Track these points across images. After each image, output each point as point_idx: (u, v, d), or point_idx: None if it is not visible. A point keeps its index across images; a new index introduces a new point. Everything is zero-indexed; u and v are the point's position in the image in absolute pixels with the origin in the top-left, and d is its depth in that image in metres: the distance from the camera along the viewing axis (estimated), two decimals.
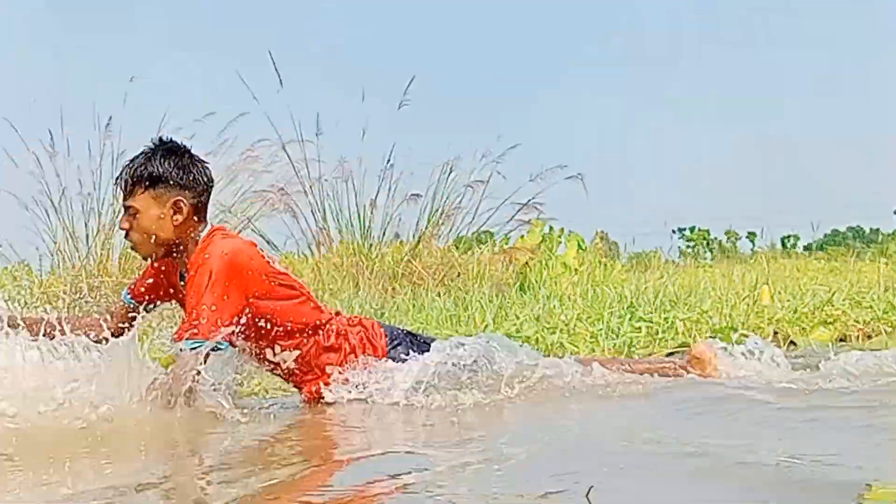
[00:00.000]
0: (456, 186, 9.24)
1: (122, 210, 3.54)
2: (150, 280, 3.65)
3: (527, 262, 8.61)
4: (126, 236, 3.51)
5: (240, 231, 9.48)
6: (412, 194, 9.23)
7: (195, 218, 3.49)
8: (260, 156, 9.65)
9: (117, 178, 3.51)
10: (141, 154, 3.51)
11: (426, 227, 9.17)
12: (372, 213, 9.13)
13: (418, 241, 9.03)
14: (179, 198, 3.44)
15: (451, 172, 9.19)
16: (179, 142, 3.59)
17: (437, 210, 9.20)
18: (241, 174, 9.48)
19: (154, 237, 3.44)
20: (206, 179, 3.54)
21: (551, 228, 9.13)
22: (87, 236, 9.84)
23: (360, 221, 9.17)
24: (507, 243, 9.44)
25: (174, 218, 3.44)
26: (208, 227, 3.53)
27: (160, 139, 3.56)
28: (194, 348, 3.19)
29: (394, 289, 8.26)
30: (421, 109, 9.25)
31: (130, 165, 3.48)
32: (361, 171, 9.19)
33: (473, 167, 9.32)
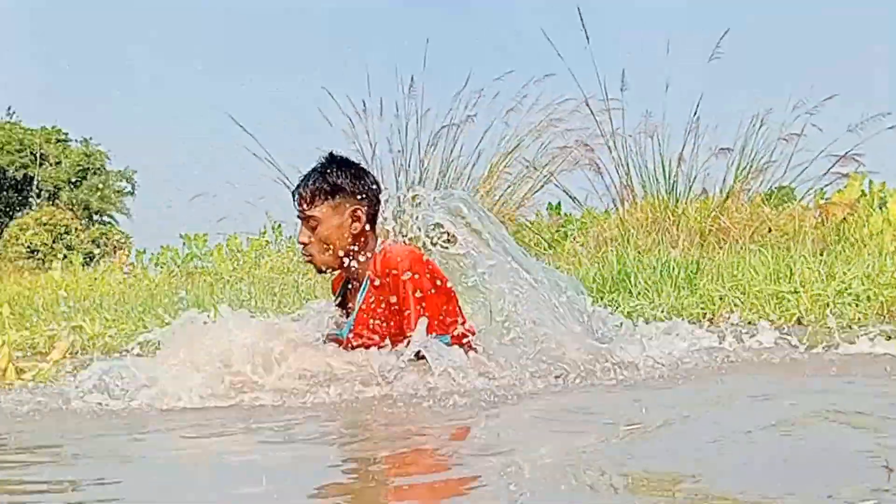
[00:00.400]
0: (767, 140, 8.89)
1: (300, 223, 3.62)
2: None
3: (844, 218, 8.17)
4: (304, 249, 3.61)
5: (543, 184, 9.64)
6: (720, 148, 8.97)
7: (369, 228, 3.58)
8: (562, 115, 9.74)
9: (294, 191, 3.59)
10: (315, 169, 3.59)
11: (734, 182, 8.90)
12: (678, 167, 8.97)
13: (727, 197, 8.78)
14: (357, 207, 3.53)
15: (761, 126, 8.84)
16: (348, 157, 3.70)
17: (746, 165, 8.89)
18: (544, 131, 9.61)
19: (333, 246, 3.55)
20: (377, 190, 3.60)
21: (871, 182, 8.59)
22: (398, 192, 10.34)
23: (665, 176, 9.04)
24: (822, 198, 8.98)
25: (353, 226, 3.53)
26: (379, 240, 3.62)
27: (331, 154, 3.64)
28: (447, 343, 3.43)
29: (704, 244, 8.09)
30: (730, 62, 8.89)
31: (308, 179, 3.57)
32: (666, 126, 9.04)
33: (785, 120, 8.91)
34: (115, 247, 32.88)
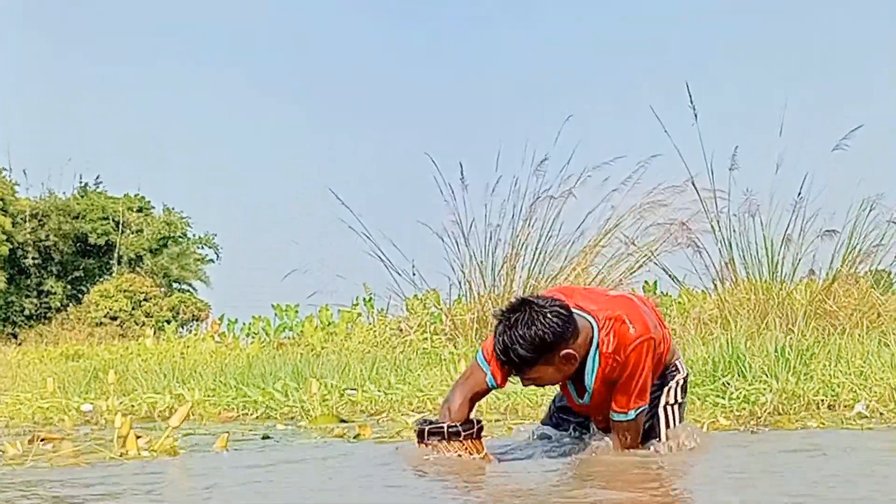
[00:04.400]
0: (877, 223, 8.67)
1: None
2: None
3: None
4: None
5: (642, 264, 9.53)
6: (827, 230, 8.78)
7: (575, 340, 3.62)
8: (667, 198, 9.66)
9: (500, 357, 3.58)
10: (506, 333, 3.52)
11: (841, 266, 8.69)
12: (783, 248, 8.79)
13: (833, 280, 8.57)
14: (567, 350, 3.56)
15: (871, 210, 8.63)
16: (524, 296, 3.66)
17: (854, 247, 8.68)
18: (647, 212, 9.56)
19: (554, 382, 3.76)
20: (565, 315, 3.55)
21: None
22: (493, 266, 10.32)
23: (768, 257, 8.87)
24: None
25: (569, 364, 3.61)
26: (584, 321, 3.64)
27: (511, 306, 3.58)
28: (640, 412, 3.78)
29: (809, 328, 7.86)
30: (852, 152, 8.71)
31: (508, 352, 3.53)
32: (774, 207, 8.88)
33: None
34: (193, 315, 33.40)
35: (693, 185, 8.90)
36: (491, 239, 10.19)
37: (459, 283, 10.44)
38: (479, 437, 3.80)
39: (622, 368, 3.64)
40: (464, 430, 3.73)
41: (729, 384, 6.12)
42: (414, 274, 10.53)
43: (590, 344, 3.61)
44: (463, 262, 10.30)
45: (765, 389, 5.91)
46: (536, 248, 10.10)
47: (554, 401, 4.34)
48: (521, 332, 3.47)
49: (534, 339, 3.47)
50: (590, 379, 3.67)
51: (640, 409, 3.77)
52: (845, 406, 5.79)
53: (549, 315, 3.50)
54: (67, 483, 3.51)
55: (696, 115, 8.76)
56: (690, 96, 8.76)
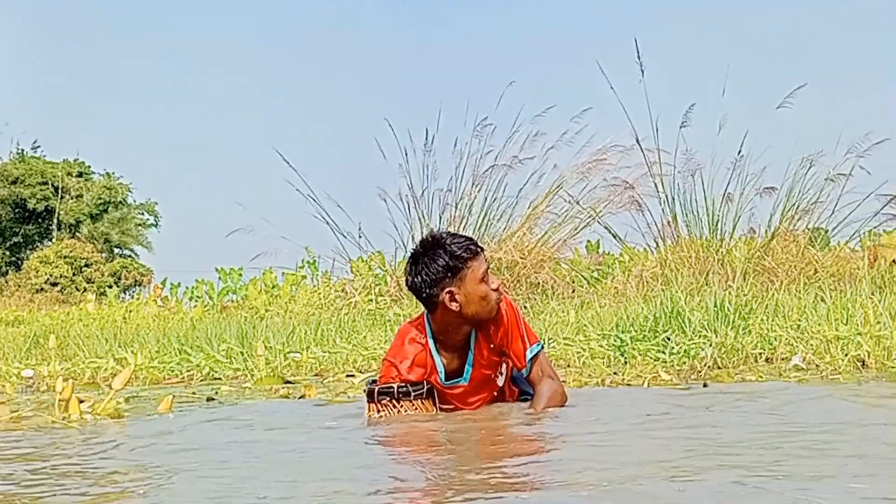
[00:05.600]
0: (816, 180, 8.79)
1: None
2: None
3: (895, 260, 8.08)
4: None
5: (587, 224, 9.60)
6: (766, 188, 8.90)
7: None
8: (609, 158, 9.69)
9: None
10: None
11: (780, 223, 8.83)
12: (723, 206, 8.90)
13: (772, 237, 8.70)
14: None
15: (810, 167, 8.74)
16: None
17: (792, 205, 8.81)
18: (591, 171, 9.59)
19: None
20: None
21: None
22: (439, 228, 10.30)
23: (709, 215, 8.98)
24: (871, 239, 8.87)
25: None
26: None
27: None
28: (539, 350, 3.93)
29: (748, 284, 7.97)
30: (794, 111, 8.75)
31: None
32: (714, 166, 8.97)
33: (836, 162, 8.77)
34: (135, 280, 32.99)
35: (639, 144, 8.93)
36: (440, 202, 10.18)
37: (405, 244, 10.43)
38: (429, 396, 3.81)
39: (498, 323, 3.81)
40: (414, 390, 3.75)
41: (669, 339, 6.21)
42: (360, 236, 10.50)
43: None
44: (411, 224, 10.29)
45: (704, 344, 6.01)
46: (482, 210, 10.11)
47: None
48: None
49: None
50: (471, 350, 3.84)
51: (537, 347, 3.92)
52: (782, 359, 5.91)
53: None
54: (5, 447, 3.47)
55: (642, 72, 8.77)
56: (638, 52, 8.75)
